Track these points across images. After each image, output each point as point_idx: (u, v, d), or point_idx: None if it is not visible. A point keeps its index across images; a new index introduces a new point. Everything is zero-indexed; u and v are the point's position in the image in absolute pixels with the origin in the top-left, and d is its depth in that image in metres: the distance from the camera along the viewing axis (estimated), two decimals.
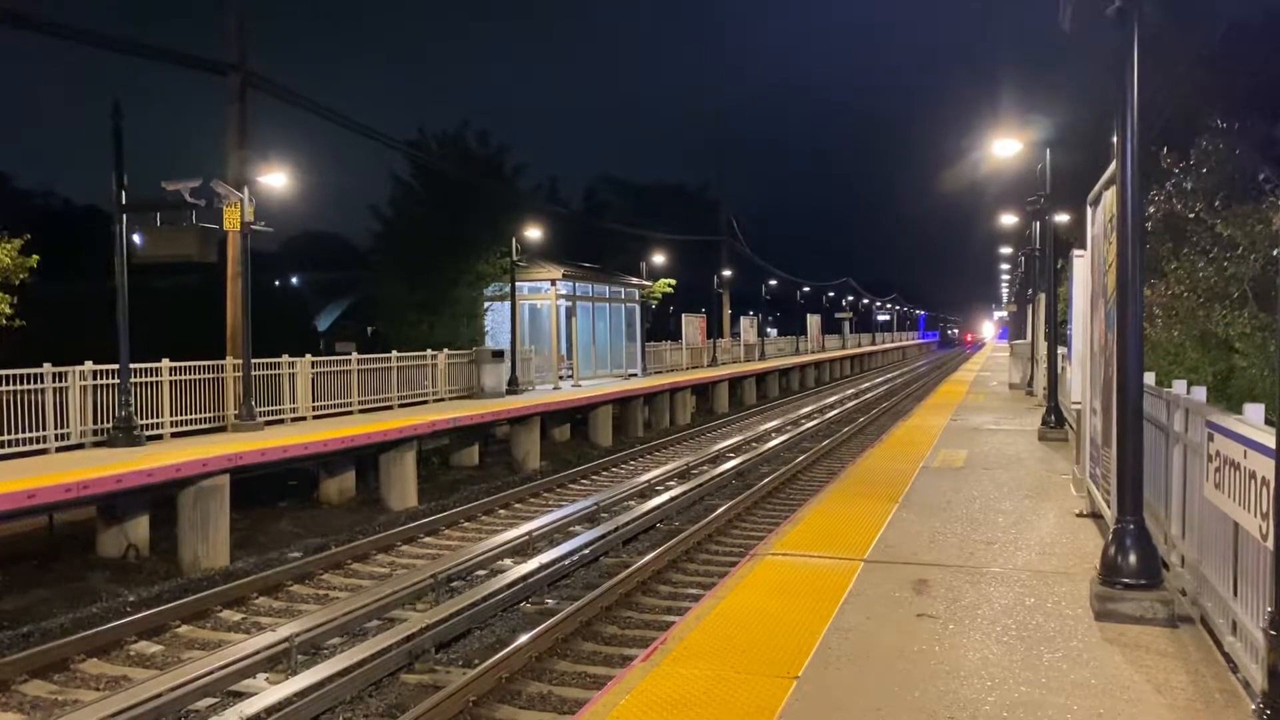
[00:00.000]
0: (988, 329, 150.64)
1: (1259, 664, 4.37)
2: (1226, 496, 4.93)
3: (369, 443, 15.99)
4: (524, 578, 10.79)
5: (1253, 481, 4.43)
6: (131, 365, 14.15)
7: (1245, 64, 13.46)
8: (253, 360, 16.37)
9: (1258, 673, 4.44)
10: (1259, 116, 12.93)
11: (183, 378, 15.45)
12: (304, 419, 17.72)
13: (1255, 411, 4.94)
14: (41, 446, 13.06)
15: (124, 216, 14.34)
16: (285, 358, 17.67)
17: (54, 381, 13.30)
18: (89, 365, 13.85)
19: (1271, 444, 4.22)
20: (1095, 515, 9.06)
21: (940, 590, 6.83)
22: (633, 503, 15.71)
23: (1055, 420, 16.21)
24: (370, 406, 19.46)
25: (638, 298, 35.57)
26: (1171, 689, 4.94)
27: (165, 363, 15.10)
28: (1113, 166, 6.69)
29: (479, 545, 12.58)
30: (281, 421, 17.22)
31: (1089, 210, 9.06)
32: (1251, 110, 13.00)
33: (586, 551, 12.19)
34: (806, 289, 74.45)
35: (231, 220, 15.72)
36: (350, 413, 18.80)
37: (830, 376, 57.39)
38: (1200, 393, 6.25)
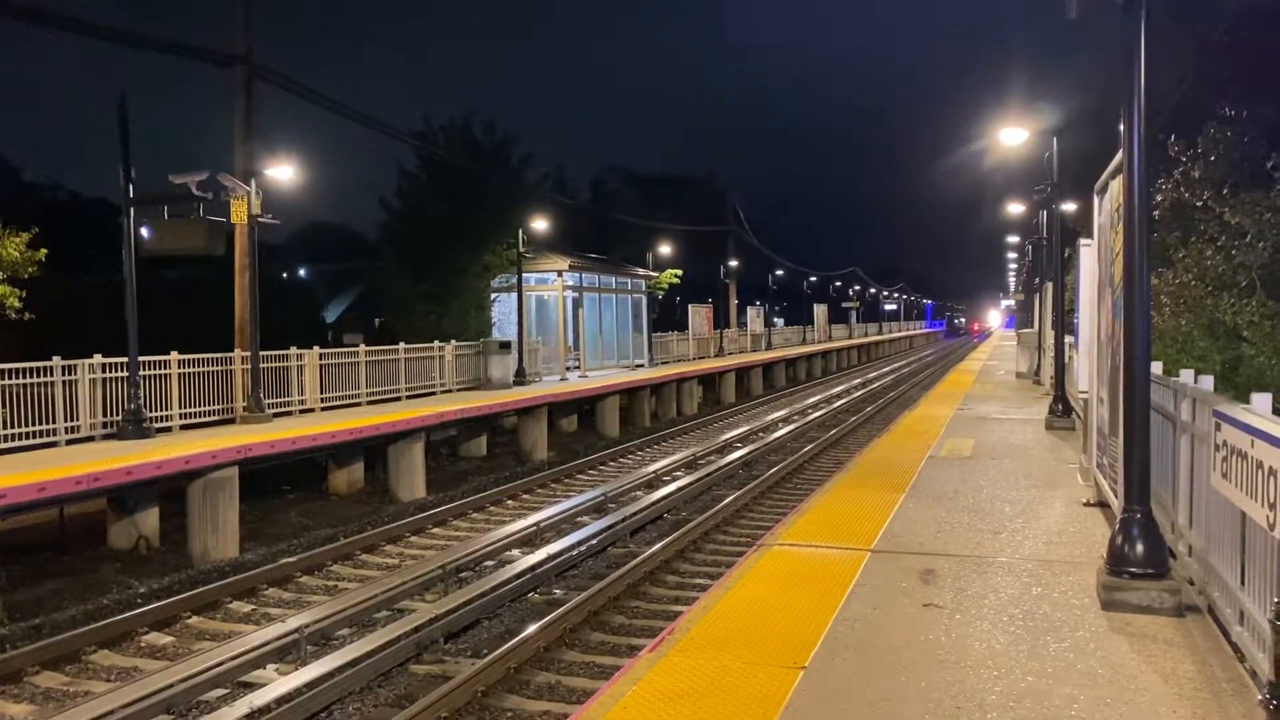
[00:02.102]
0: (994, 318, 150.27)
1: (1266, 654, 4.37)
2: (1234, 486, 4.92)
3: (377, 434, 16.02)
4: (532, 568, 10.82)
5: (1260, 471, 4.42)
6: (140, 358, 14.21)
7: (1253, 51, 13.37)
8: (261, 352, 16.44)
9: (1265, 662, 4.45)
10: (1267, 103, 12.85)
11: (191, 370, 15.50)
12: (312, 410, 17.78)
13: (1263, 401, 4.92)
14: (51, 439, 13.13)
15: (131, 210, 14.36)
16: (293, 349, 17.73)
17: (63, 374, 13.37)
18: (98, 358, 13.91)
19: (1279, 434, 4.22)
20: (1102, 504, 9.06)
21: (947, 580, 6.84)
22: (640, 493, 15.74)
23: (1062, 409, 16.17)
24: (378, 398, 19.51)
25: (644, 288, 35.53)
26: (1179, 679, 4.95)
27: (174, 355, 15.14)
28: (1120, 155, 6.67)
29: (487, 536, 12.62)
30: (290, 413, 17.28)
31: (1096, 199, 9.03)
32: (1260, 97, 12.92)
33: (594, 542, 12.22)
34: (813, 278, 74.45)
35: (239, 213, 15.76)
36: (358, 404, 18.85)
37: (837, 366, 57.32)
38: (1207, 382, 6.24)
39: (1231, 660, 5.16)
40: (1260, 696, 4.42)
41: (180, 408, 15.23)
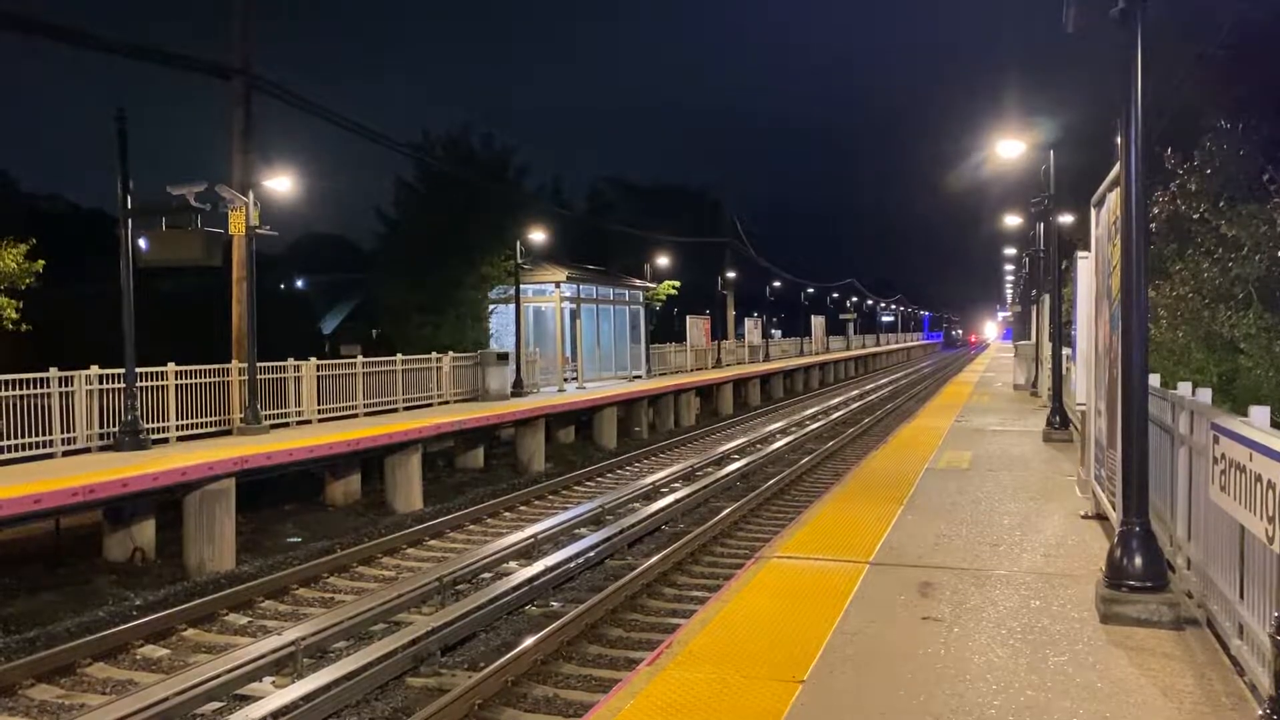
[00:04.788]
0: (991, 329, 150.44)
1: (1266, 668, 4.36)
2: (1232, 499, 4.92)
3: (374, 445, 16.00)
4: (529, 580, 10.79)
5: (1259, 484, 4.42)
6: (137, 369, 14.18)
7: (1249, 64, 13.42)
8: (258, 363, 16.41)
9: (1264, 677, 4.43)
10: (1263, 117, 12.89)
11: (188, 381, 15.49)
12: (309, 422, 17.75)
13: (1261, 414, 4.92)
14: (48, 451, 13.09)
15: (129, 221, 14.36)
16: (290, 361, 17.70)
17: (60, 386, 13.34)
18: (95, 369, 13.89)
19: (1277, 447, 4.22)
20: (1100, 517, 9.05)
21: (945, 593, 6.82)
22: (638, 505, 15.71)
23: (1060, 422, 16.18)
24: (375, 409, 19.49)
25: (642, 300, 35.57)
26: (1178, 693, 4.93)
27: (171, 366, 15.12)
28: (1116, 168, 6.69)
29: (484, 548, 12.58)
30: (286, 425, 17.25)
31: (1093, 211, 9.06)
32: (1256, 110, 12.96)
33: (592, 554, 12.19)
34: (811, 290, 74.55)
35: (236, 224, 15.78)
36: (355, 415, 18.83)
37: (835, 378, 57.34)
38: (1205, 394, 6.24)
39: (1231, 674, 5.14)
40: (1260, 711, 4.40)
41: (177, 419, 15.20)
